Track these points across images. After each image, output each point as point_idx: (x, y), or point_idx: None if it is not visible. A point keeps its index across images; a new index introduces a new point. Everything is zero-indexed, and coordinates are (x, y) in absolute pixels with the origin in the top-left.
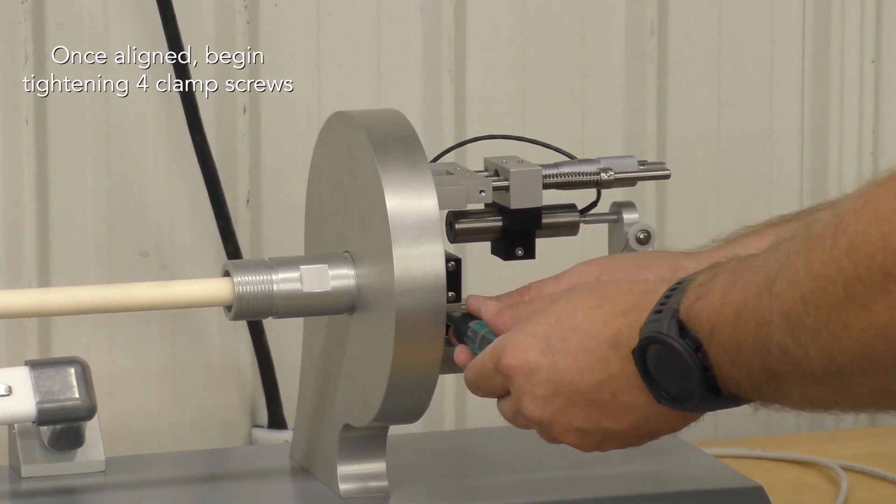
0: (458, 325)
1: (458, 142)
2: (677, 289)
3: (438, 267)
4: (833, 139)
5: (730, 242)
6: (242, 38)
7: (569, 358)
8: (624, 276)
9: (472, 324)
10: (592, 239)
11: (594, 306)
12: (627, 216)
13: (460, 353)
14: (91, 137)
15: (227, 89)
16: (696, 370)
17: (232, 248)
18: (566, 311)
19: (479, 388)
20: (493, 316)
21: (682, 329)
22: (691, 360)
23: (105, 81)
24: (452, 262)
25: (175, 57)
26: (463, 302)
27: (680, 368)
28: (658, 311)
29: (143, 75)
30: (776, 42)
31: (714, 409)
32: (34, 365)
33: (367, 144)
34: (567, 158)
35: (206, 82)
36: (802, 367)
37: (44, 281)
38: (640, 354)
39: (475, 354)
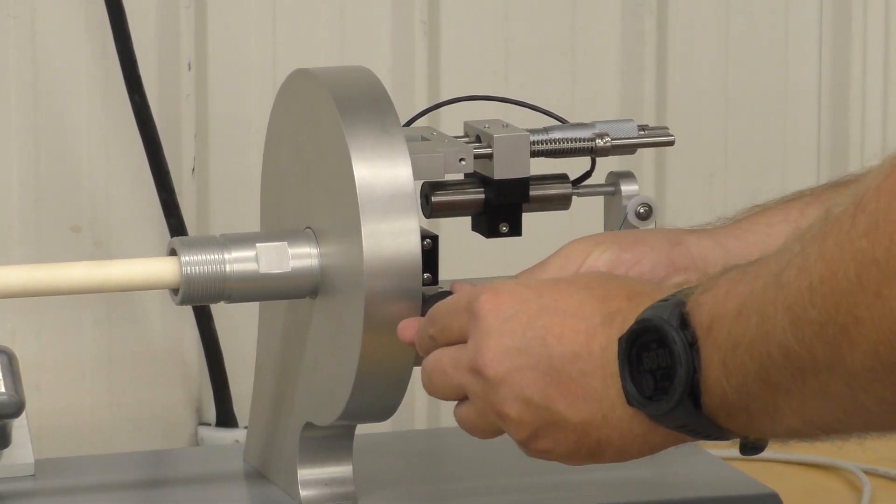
0: (431, 302)
1: (434, 104)
2: (694, 287)
3: (413, 245)
4: (855, 100)
5: (737, 220)
6: None
7: (555, 317)
8: (616, 250)
9: None
10: (586, 213)
11: (601, 280)
12: (626, 188)
13: (406, 325)
14: (15, 97)
15: (170, 41)
16: (685, 367)
17: (176, 223)
18: (568, 277)
19: (433, 322)
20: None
21: (685, 321)
22: (683, 354)
23: (31, 32)
24: (428, 240)
25: (111, 3)
26: (441, 286)
27: (666, 364)
28: (665, 300)
29: (75, 26)
30: None
31: (685, 429)
32: None
33: (333, 106)
34: (558, 122)
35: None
36: (805, 372)
37: None
38: (629, 341)
39: None
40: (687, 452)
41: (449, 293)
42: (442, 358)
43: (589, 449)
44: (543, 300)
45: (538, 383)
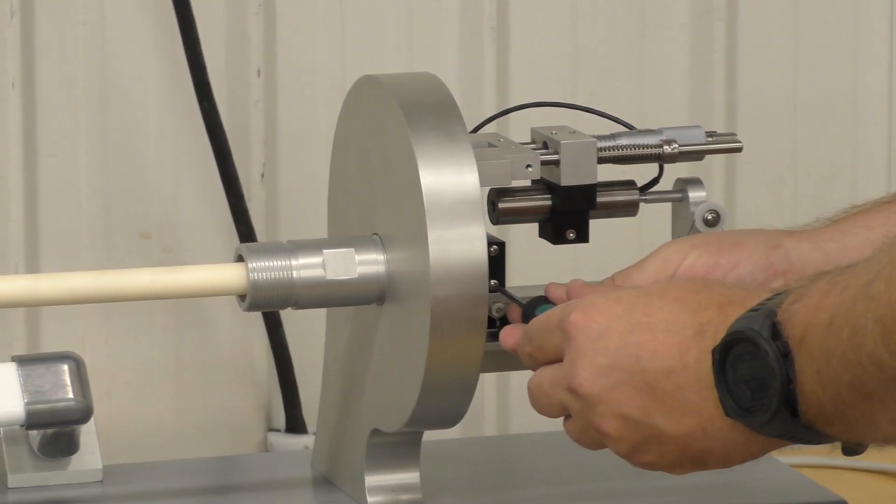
0: (527, 308)
1: (502, 110)
2: (784, 293)
3: (479, 251)
4: None
5: (836, 221)
6: None
7: (646, 333)
8: (715, 253)
9: (544, 306)
10: (654, 220)
11: (691, 290)
12: (693, 194)
13: (508, 333)
14: (85, 103)
15: (239, 48)
16: (779, 378)
17: (244, 229)
18: (658, 287)
19: (531, 340)
20: (583, 287)
21: (776, 331)
22: (777, 365)
23: (100, 39)
24: (495, 247)
25: (180, 11)
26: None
27: (761, 375)
28: (755, 309)
29: (145, 33)
30: None
31: (784, 437)
32: (22, 361)
33: (399, 112)
34: (625, 129)
35: (215, 40)
36: None
37: (32, 266)
38: (722, 353)
39: None
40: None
41: (543, 298)
42: (543, 379)
43: (692, 459)
44: (634, 315)
45: (635, 400)
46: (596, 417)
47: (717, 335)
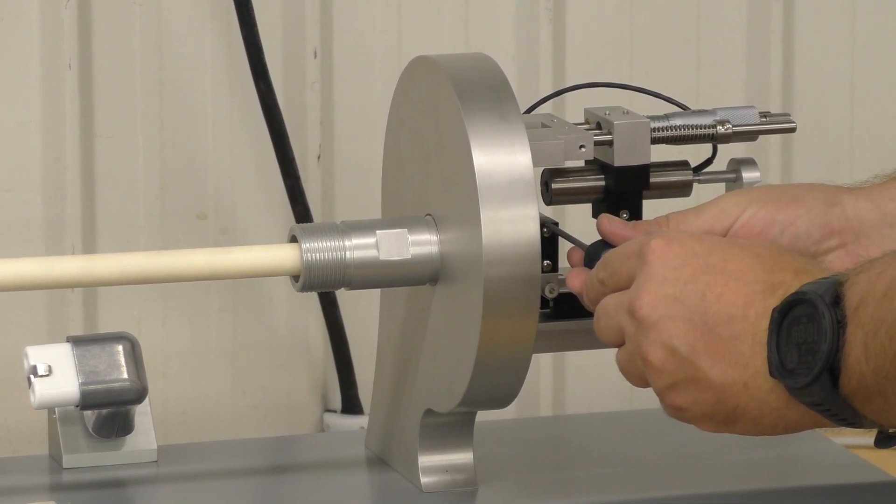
0: (591, 249)
1: (556, 90)
2: (856, 267)
3: (532, 232)
4: None
5: (895, 179)
6: None
7: (719, 277)
8: (773, 209)
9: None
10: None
11: (773, 252)
12: (747, 175)
13: (574, 275)
14: (142, 84)
15: (295, 29)
16: (828, 343)
17: (301, 210)
18: (743, 241)
19: (606, 266)
20: (652, 223)
21: (837, 299)
22: (830, 330)
23: (156, 20)
24: (547, 227)
25: None
26: (561, 272)
27: (814, 339)
28: (826, 277)
29: (201, 14)
30: None
31: (821, 407)
32: (77, 341)
33: (452, 93)
34: (679, 109)
35: (272, 21)
36: None
37: (89, 247)
38: (783, 311)
39: None
40: (805, 439)
41: (605, 243)
42: (609, 301)
43: (725, 414)
44: (712, 258)
45: (688, 336)
46: (646, 343)
47: (785, 296)
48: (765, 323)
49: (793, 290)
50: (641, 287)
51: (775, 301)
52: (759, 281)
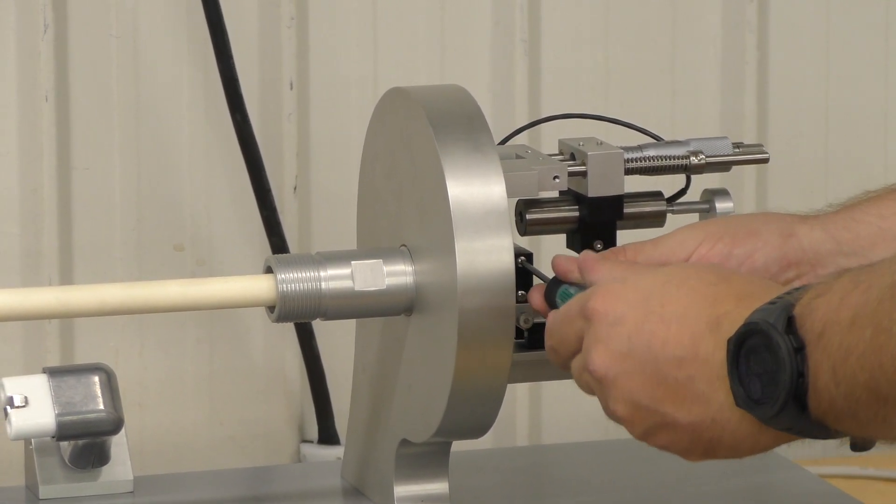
0: (547, 290)
1: (531, 121)
2: (803, 288)
3: (507, 263)
4: None
5: (848, 208)
6: (288, 3)
7: (660, 323)
8: (729, 243)
9: (565, 286)
10: None
11: (710, 282)
12: (721, 205)
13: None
14: (118, 116)
15: (272, 61)
16: (789, 372)
17: (277, 241)
18: (678, 276)
19: (553, 335)
20: (595, 262)
21: (791, 325)
22: (788, 359)
23: (133, 51)
24: (523, 258)
25: (213, 24)
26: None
27: (772, 367)
28: (772, 303)
29: (177, 45)
30: (892, 7)
31: (793, 431)
32: (53, 372)
33: (426, 124)
34: (653, 140)
35: (248, 52)
36: None
37: (66, 278)
38: (737, 344)
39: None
40: (780, 468)
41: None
42: (573, 365)
43: (703, 447)
44: (650, 304)
45: (646, 388)
46: (610, 401)
47: (732, 327)
48: (719, 357)
49: (739, 319)
50: (591, 349)
51: (723, 334)
52: (702, 317)
